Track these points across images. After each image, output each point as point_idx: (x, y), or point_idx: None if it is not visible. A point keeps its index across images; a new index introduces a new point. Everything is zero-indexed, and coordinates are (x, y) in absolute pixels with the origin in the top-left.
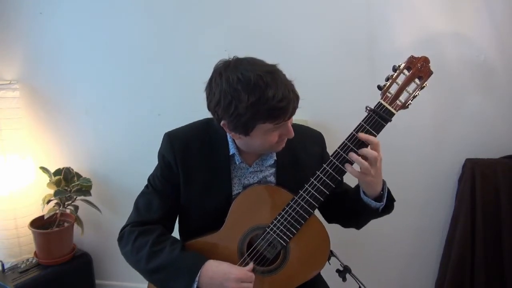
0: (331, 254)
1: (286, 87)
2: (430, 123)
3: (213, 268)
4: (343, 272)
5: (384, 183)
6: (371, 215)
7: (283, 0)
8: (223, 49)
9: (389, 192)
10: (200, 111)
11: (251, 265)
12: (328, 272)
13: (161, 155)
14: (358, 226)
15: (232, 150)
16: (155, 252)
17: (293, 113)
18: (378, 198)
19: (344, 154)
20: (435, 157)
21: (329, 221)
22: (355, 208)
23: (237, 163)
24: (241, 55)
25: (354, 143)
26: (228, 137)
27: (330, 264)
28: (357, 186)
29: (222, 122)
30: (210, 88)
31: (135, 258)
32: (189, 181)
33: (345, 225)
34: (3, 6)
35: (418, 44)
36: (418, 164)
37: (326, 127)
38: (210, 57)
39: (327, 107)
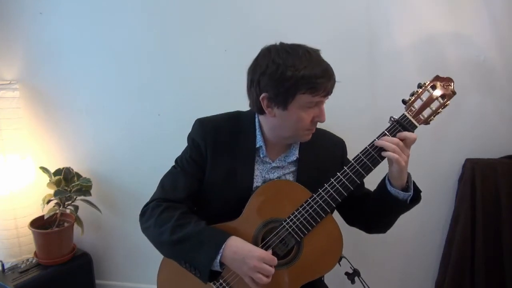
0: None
1: (328, 65)
2: (430, 122)
3: (237, 244)
4: (352, 274)
5: (409, 175)
6: (399, 209)
7: (283, 0)
8: (223, 49)
9: (414, 183)
10: (200, 111)
11: (270, 250)
12: (327, 275)
13: (191, 138)
14: (385, 227)
15: (259, 142)
16: (180, 225)
17: (331, 91)
18: (404, 190)
19: (365, 159)
20: (435, 157)
21: (351, 223)
22: (382, 204)
23: (261, 156)
24: (241, 54)
25: (376, 149)
26: (257, 130)
27: (340, 265)
28: (382, 182)
29: (262, 95)
30: (256, 62)
31: (159, 231)
32: (215, 166)
33: (370, 228)
34: (3, 6)
35: (418, 44)
36: (418, 164)
37: (326, 127)
38: (210, 57)
39: (327, 107)
